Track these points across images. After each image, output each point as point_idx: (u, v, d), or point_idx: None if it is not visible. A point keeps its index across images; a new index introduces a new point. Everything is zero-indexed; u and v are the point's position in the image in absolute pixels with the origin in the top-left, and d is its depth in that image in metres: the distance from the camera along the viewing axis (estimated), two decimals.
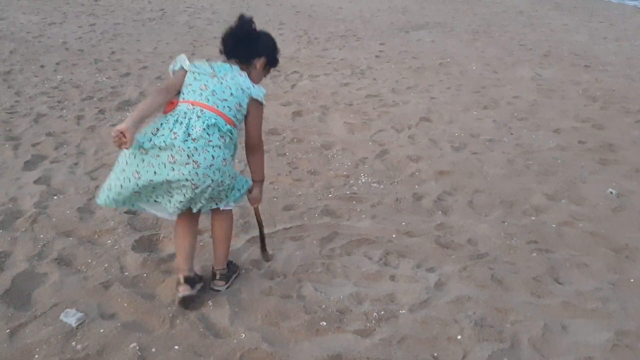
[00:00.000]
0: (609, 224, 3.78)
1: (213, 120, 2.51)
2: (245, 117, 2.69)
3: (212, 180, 2.53)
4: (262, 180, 2.91)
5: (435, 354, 2.57)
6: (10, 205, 3.69)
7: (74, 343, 2.54)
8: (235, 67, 2.67)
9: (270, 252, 3.26)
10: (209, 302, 2.87)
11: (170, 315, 2.73)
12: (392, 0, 14.43)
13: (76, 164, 4.40)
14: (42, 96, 5.88)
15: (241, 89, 2.61)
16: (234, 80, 2.61)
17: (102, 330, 2.62)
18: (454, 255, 3.35)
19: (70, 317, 2.71)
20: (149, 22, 10.14)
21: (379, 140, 5.11)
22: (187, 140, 2.46)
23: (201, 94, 2.58)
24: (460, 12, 12.87)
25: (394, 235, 3.55)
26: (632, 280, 3.18)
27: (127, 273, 3.08)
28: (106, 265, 3.13)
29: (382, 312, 2.82)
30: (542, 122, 5.69)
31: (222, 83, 2.59)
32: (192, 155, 2.46)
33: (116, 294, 2.89)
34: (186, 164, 2.46)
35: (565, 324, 2.80)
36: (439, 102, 6.28)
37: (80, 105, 5.66)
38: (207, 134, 2.49)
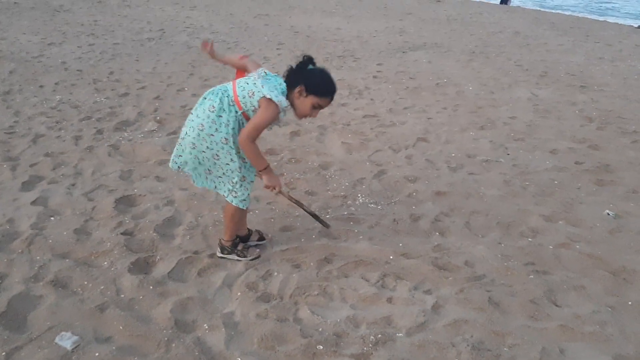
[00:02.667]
0: (606, 246, 3.77)
1: (226, 93, 3.02)
2: None
3: (192, 135, 3.03)
4: (264, 169, 3.09)
5: None
6: (7, 227, 3.69)
7: None
8: (281, 81, 3.05)
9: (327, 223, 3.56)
10: (205, 325, 2.86)
11: (166, 339, 2.72)
12: (389, 21, 14.54)
13: (73, 184, 4.39)
14: (41, 116, 5.90)
15: (263, 86, 2.94)
16: (268, 81, 2.98)
17: (97, 354, 2.61)
18: (451, 278, 3.34)
19: (66, 341, 2.69)
20: (148, 42, 10.20)
21: (377, 161, 5.11)
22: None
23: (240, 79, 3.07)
24: (457, 33, 12.96)
25: (391, 257, 3.54)
26: (630, 303, 3.16)
27: (123, 295, 3.07)
28: (102, 287, 3.12)
29: (379, 336, 2.80)
30: (539, 142, 5.71)
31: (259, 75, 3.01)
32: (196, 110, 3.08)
33: (112, 317, 2.87)
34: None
35: (563, 347, 2.78)
36: (435, 122, 6.30)
37: (78, 126, 5.67)
38: (216, 101, 2.99)
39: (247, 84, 3.00)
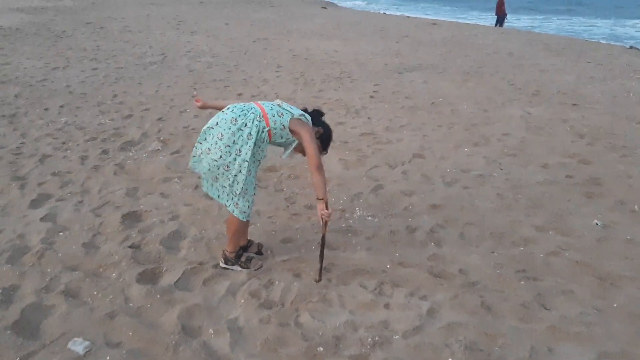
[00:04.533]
0: (594, 254, 3.92)
1: (252, 110, 3.26)
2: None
3: (210, 141, 3.23)
4: (321, 199, 3.21)
5: None
6: (18, 242, 3.84)
7: None
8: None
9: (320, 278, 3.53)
10: (210, 330, 3.00)
11: (174, 343, 2.86)
12: (386, 44, 14.83)
13: (81, 202, 4.55)
14: (47, 138, 6.08)
15: (291, 108, 3.35)
16: (292, 107, 3.37)
17: (108, 358, 2.75)
18: (446, 284, 3.48)
19: (78, 346, 2.84)
20: (150, 65, 10.44)
21: (374, 176, 5.28)
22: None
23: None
24: (452, 54, 13.23)
25: (388, 266, 3.68)
26: (615, 305, 3.31)
27: (131, 304, 3.21)
28: (111, 297, 3.26)
29: (377, 338, 2.95)
30: (531, 157, 5.88)
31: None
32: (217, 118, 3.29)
33: (121, 324, 3.02)
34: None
35: (552, 346, 2.93)
36: (431, 139, 6.49)
37: (84, 146, 5.85)
38: (240, 115, 3.22)
39: (274, 106, 3.32)
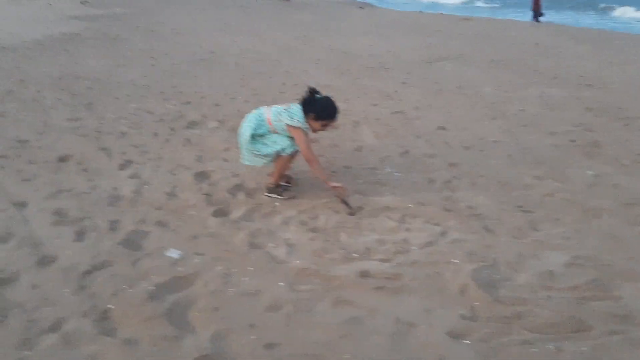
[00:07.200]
0: (583, 195, 4.73)
1: (262, 116, 4.57)
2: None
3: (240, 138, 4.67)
4: (324, 180, 4.55)
5: (437, 271, 3.56)
6: (114, 192, 4.82)
7: (178, 268, 3.62)
8: (300, 108, 4.48)
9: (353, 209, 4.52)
10: (271, 244, 3.93)
11: (244, 251, 3.80)
12: (419, 38, 15.65)
13: (158, 165, 5.53)
14: (122, 120, 7.12)
15: (290, 114, 4.46)
16: (290, 109, 4.50)
17: (196, 260, 3.69)
18: (456, 215, 4.35)
19: (173, 253, 3.80)
20: (201, 62, 11.51)
21: (401, 144, 6.16)
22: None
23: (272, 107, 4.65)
24: (481, 45, 13.97)
25: (410, 205, 4.56)
26: (593, 227, 4.13)
27: (209, 230, 4.16)
28: (194, 225, 4.22)
29: (399, 248, 3.84)
30: (542, 127, 6.67)
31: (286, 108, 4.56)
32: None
33: (203, 242, 3.96)
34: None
35: (536, 253, 3.76)
36: (454, 115, 7.33)
37: (154, 126, 6.87)
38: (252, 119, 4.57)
39: (278, 112, 4.49)
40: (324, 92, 4.73)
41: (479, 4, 46.72)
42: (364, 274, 3.51)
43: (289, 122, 4.43)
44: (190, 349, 2.81)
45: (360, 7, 29.76)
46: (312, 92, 4.49)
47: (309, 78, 9.90)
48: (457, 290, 3.33)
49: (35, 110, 7.34)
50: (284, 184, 4.92)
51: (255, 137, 4.53)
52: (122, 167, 5.48)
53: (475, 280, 3.39)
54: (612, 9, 38.31)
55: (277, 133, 4.52)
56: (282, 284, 3.41)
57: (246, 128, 4.59)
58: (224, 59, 11.99)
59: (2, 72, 9.80)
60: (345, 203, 4.48)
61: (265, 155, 4.61)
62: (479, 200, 4.64)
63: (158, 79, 9.76)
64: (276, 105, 4.61)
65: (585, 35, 16.25)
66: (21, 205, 4.43)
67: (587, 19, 31.02)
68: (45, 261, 3.61)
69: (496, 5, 45.30)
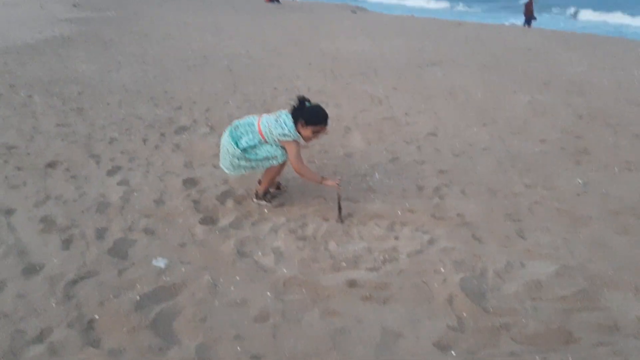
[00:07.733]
0: (572, 203, 4.74)
1: (252, 127, 4.49)
2: None
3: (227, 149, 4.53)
4: (319, 182, 4.52)
5: (424, 280, 3.56)
6: (102, 199, 4.80)
7: (164, 277, 3.59)
8: (290, 117, 4.39)
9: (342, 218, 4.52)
10: (259, 253, 3.91)
11: (232, 260, 3.79)
12: (410, 42, 15.68)
13: (147, 171, 5.51)
14: (112, 125, 7.09)
15: (280, 125, 4.35)
16: (279, 119, 4.38)
17: (183, 270, 3.67)
18: (445, 223, 4.35)
19: (160, 262, 3.78)
20: (193, 67, 11.48)
21: (391, 150, 6.16)
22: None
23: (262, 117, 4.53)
24: (472, 50, 14.01)
25: (399, 212, 4.56)
26: (581, 236, 4.13)
27: (196, 238, 4.14)
28: (180, 233, 4.20)
29: (387, 257, 3.83)
30: (532, 134, 6.69)
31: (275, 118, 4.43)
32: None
33: (190, 250, 3.95)
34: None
35: (524, 262, 3.77)
36: (445, 121, 7.34)
37: (144, 132, 6.84)
38: (243, 130, 4.49)
39: (269, 123, 4.38)
40: (316, 98, 4.75)
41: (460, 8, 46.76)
42: (352, 284, 3.51)
43: (281, 138, 4.37)
44: None
45: (353, 11, 29.80)
46: (302, 100, 4.46)
47: (301, 83, 9.90)
48: (445, 300, 3.33)
49: (25, 115, 7.30)
50: (273, 191, 4.93)
51: (247, 149, 4.48)
52: (111, 173, 5.45)
53: (463, 290, 3.39)
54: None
55: (268, 144, 4.48)
56: (269, 294, 3.41)
57: (233, 141, 4.50)
58: (216, 63, 11.97)
59: None
60: (339, 208, 4.48)
61: (256, 166, 4.58)
62: (468, 208, 4.64)
63: (149, 84, 9.73)
64: (265, 115, 4.55)
65: (577, 40, 16.33)
66: (8, 212, 4.40)
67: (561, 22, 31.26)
68: (31, 270, 3.59)
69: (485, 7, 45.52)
